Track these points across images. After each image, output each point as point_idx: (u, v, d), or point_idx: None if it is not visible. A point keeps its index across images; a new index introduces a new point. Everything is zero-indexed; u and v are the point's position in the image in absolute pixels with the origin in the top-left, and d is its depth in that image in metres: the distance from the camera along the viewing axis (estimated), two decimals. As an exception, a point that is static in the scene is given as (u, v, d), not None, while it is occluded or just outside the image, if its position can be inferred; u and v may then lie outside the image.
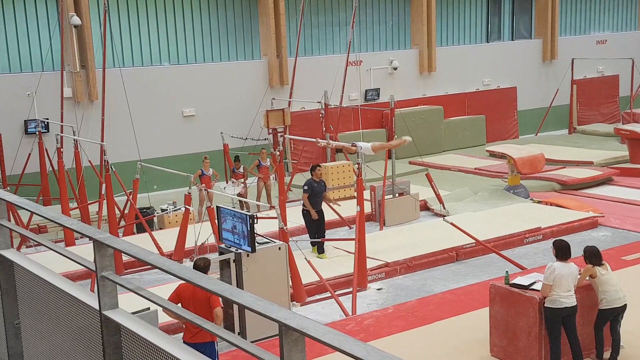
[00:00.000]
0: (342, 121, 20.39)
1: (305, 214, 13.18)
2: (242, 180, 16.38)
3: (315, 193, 13.09)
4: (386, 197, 15.35)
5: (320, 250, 13.06)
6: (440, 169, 20.15)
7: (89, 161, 16.02)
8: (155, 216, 15.56)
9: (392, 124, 16.41)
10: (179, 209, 14.99)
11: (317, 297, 11.17)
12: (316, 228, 13.17)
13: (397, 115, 16.88)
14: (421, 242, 13.29)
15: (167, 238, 13.69)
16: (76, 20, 17.93)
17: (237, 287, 7.68)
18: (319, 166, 13.52)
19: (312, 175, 13.21)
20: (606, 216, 14.95)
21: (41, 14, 18.28)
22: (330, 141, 13.72)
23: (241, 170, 16.59)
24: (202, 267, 7.74)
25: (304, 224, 13.51)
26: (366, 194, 14.81)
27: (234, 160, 16.75)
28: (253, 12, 21.14)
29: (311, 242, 13.13)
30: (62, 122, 17.00)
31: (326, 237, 13.68)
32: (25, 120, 17.68)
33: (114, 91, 17.71)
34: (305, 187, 13.07)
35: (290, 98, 20.82)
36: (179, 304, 7.42)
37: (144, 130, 18.23)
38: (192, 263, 11.99)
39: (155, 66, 19.84)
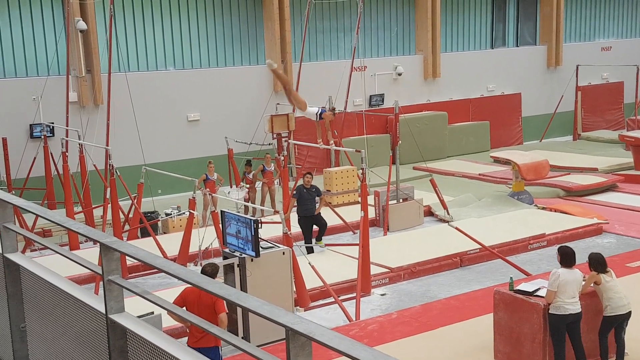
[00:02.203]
0: (346, 126, 20.41)
1: (300, 219, 13.26)
2: (248, 185, 16.40)
3: (305, 199, 13.16)
4: (390, 202, 15.35)
5: (318, 239, 13.33)
6: (444, 175, 20.13)
7: (94, 165, 16.07)
8: (159, 220, 15.58)
9: (397, 130, 16.42)
10: (183, 213, 15.01)
11: (321, 302, 11.17)
12: (311, 233, 13.33)
13: (401, 120, 16.87)
14: (425, 248, 13.28)
15: (171, 242, 13.69)
16: (82, 24, 17.99)
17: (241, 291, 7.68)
18: (309, 173, 13.62)
19: (303, 182, 13.39)
20: (611, 223, 14.93)
21: (47, 18, 18.35)
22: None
23: (251, 175, 16.63)
24: (210, 272, 7.74)
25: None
26: (370, 199, 14.80)
27: (246, 164, 16.79)
28: (258, 18, 21.19)
29: (306, 247, 13.17)
30: (67, 126, 17.06)
31: (330, 242, 13.71)
32: (30, 124, 17.74)
33: (119, 96, 17.77)
34: (294, 192, 13.41)
35: (294, 103, 20.84)
36: (184, 308, 7.43)
37: (148, 134, 18.27)
38: (195, 267, 12.00)
39: (161, 71, 19.89)
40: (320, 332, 2.57)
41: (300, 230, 13.65)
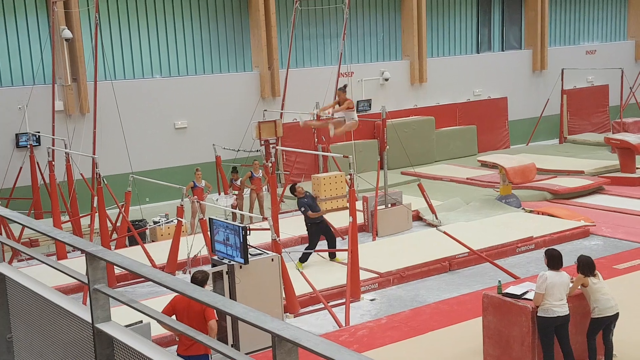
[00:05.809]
0: (334, 132, 20.38)
1: (310, 226, 13.15)
2: (236, 192, 16.36)
3: (313, 208, 13.09)
4: (378, 207, 15.36)
5: (332, 255, 13.17)
6: (432, 179, 20.19)
7: (81, 174, 15.98)
8: (147, 229, 15.52)
9: (384, 135, 16.44)
10: (171, 221, 14.97)
11: (311, 308, 11.16)
12: (317, 241, 13.17)
13: (388, 125, 16.90)
14: (414, 253, 13.30)
15: (160, 250, 13.65)
16: (67, 33, 17.93)
17: (230, 299, 7.66)
18: (296, 184, 13.53)
19: (295, 195, 13.19)
20: (597, 225, 15.01)
21: (32, 27, 18.27)
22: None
23: (238, 182, 16.59)
24: (200, 280, 7.72)
25: (296, 235, 13.53)
26: (358, 205, 14.81)
27: (232, 171, 16.73)
28: (244, 24, 21.20)
29: (303, 254, 13.09)
30: (53, 135, 16.97)
31: (319, 248, 13.67)
32: (16, 134, 17.63)
33: (106, 104, 17.70)
34: (303, 209, 13.07)
35: (282, 109, 20.85)
36: (174, 316, 7.40)
37: (135, 142, 18.21)
38: (184, 275, 11.96)
39: (147, 78, 19.84)
40: (306, 338, 2.57)
41: (292, 236, 13.63)
